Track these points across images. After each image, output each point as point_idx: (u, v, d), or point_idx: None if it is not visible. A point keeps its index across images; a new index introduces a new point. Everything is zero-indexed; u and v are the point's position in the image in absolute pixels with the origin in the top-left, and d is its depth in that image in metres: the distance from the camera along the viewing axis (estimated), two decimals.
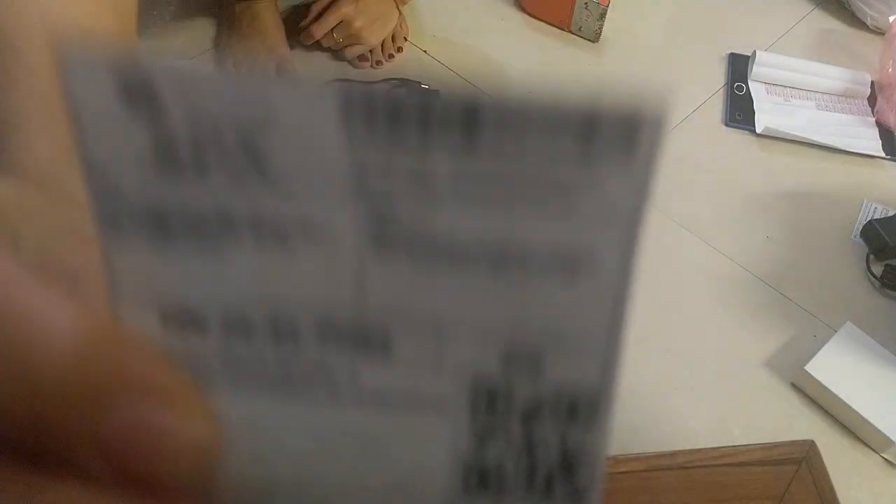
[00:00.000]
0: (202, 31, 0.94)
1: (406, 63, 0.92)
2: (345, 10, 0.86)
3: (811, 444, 0.50)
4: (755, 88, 0.93)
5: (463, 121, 0.12)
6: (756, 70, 0.93)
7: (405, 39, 0.94)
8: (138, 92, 0.12)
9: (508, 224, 0.13)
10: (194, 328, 0.14)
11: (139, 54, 0.12)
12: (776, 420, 0.67)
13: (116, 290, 0.14)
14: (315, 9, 0.88)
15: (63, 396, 0.12)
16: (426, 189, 0.13)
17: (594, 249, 0.13)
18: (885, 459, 0.65)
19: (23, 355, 0.11)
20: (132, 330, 0.14)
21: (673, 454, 0.50)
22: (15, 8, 0.31)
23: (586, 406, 0.14)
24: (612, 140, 0.12)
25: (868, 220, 0.80)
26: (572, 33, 0.97)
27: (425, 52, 0.94)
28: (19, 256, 0.17)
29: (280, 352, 0.14)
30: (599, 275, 0.13)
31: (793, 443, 0.51)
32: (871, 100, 0.94)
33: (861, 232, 0.80)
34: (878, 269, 0.77)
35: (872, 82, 0.95)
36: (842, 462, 0.64)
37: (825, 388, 0.66)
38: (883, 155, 0.88)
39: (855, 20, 1.03)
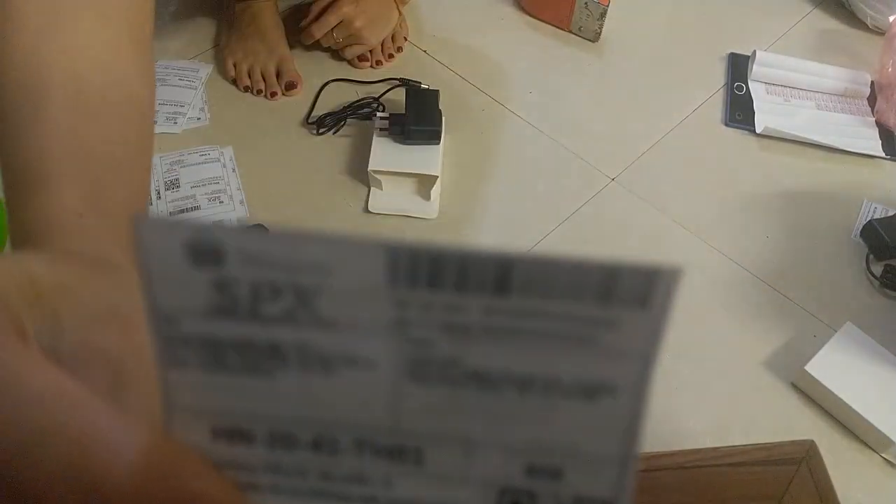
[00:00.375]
0: (202, 30, 0.94)
1: (406, 63, 0.92)
2: (345, 10, 0.86)
3: (811, 444, 0.50)
4: (755, 88, 0.93)
5: (496, 278, 0.13)
6: (756, 70, 0.93)
7: (405, 39, 0.94)
8: (205, 255, 0.14)
9: (534, 356, 0.14)
10: (242, 442, 0.15)
11: (208, 226, 0.13)
12: (776, 420, 0.67)
13: (171, 408, 0.15)
14: (315, 8, 0.88)
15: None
16: (460, 330, 0.14)
17: (612, 380, 0.14)
18: (885, 459, 0.65)
19: (90, 476, 0.13)
20: (186, 445, 0.15)
21: (673, 454, 0.50)
22: (37, 53, 0.31)
23: None
24: (631, 290, 0.13)
25: (868, 220, 0.80)
26: (572, 33, 0.97)
27: (425, 51, 0.94)
28: (61, 341, 0.17)
29: (320, 462, 0.15)
30: (616, 401, 0.14)
31: (793, 443, 0.51)
32: (871, 100, 0.93)
33: (861, 232, 0.80)
34: (877, 268, 0.77)
35: (872, 82, 0.94)
36: (842, 462, 0.64)
37: (825, 388, 0.65)
38: (883, 155, 0.88)
39: (855, 20, 1.03)
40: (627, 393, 0.14)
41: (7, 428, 0.13)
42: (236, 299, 0.14)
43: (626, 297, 0.13)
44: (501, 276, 0.13)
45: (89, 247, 0.26)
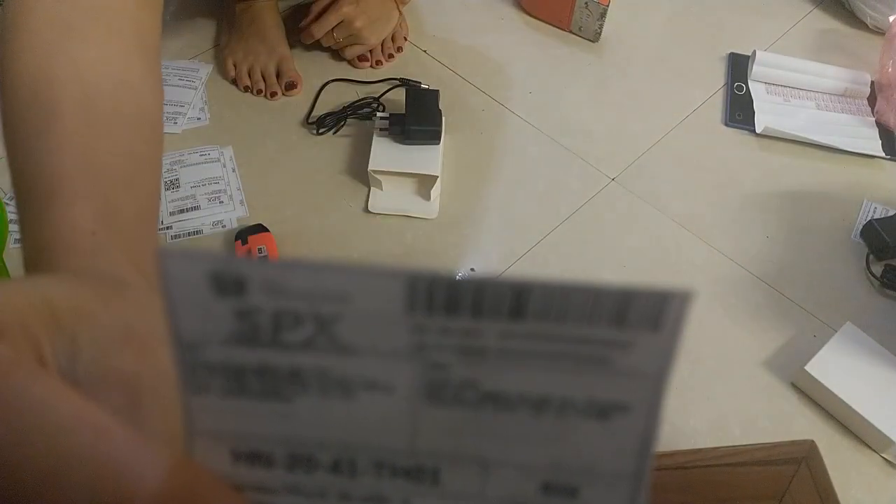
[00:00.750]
0: (202, 30, 0.94)
1: (406, 63, 0.92)
2: (345, 10, 0.86)
3: (811, 444, 0.50)
4: (755, 88, 0.93)
5: (511, 304, 0.14)
6: (756, 70, 0.93)
7: (405, 39, 0.94)
8: (228, 285, 0.14)
9: (549, 378, 0.15)
10: (262, 465, 0.16)
11: (231, 259, 0.14)
12: (776, 420, 0.67)
13: (193, 432, 0.15)
14: (315, 8, 0.88)
15: None
16: (476, 354, 0.14)
17: (626, 400, 0.15)
18: (885, 459, 0.65)
19: (115, 501, 0.13)
20: (206, 468, 0.15)
21: (673, 454, 0.50)
22: (48, 68, 0.31)
23: None
24: (644, 314, 0.14)
25: (868, 219, 0.80)
26: (572, 33, 0.97)
27: (425, 51, 0.94)
28: (78, 364, 0.18)
29: (339, 484, 0.16)
30: (630, 420, 0.15)
31: (793, 442, 0.51)
32: (871, 100, 0.93)
33: (861, 232, 0.80)
34: (877, 268, 0.77)
35: (872, 82, 0.94)
36: (842, 462, 0.64)
37: (825, 388, 0.65)
38: (883, 155, 0.88)
39: (855, 20, 1.03)
40: (641, 412, 0.15)
41: (33, 457, 0.13)
42: (258, 327, 0.14)
43: (639, 321, 0.14)
44: (517, 302, 0.14)
45: (103, 265, 0.26)
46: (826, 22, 1.04)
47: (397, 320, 0.14)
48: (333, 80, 0.88)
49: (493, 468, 0.16)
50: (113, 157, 0.30)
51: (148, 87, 0.34)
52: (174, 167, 0.80)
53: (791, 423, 0.66)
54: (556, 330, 0.14)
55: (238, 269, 0.14)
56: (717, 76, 0.95)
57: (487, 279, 0.13)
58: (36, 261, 0.26)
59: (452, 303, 0.14)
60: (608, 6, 0.93)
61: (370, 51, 0.90)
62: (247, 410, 0.15)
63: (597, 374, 0.14)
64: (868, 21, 1.01)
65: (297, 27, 0.90)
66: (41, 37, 0.31)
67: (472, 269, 0.67)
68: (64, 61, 0.31)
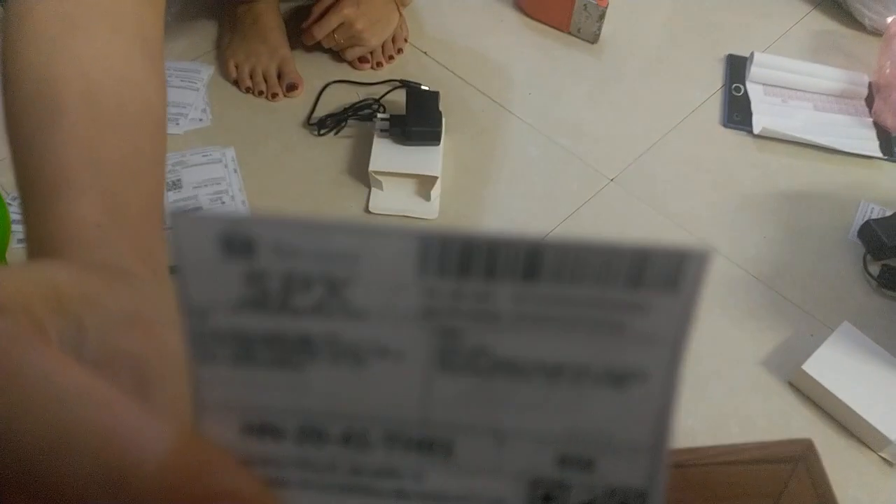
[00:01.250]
0: (204, 32, 0.94)
1: (406, 64, 0.92)
2: (346, 12, 0.86)
3: (809, 443, 0.50)
4: (753, 89, 0.93)
5: (526, 263, 0.13)
6: (754, 71, 0.93)
7: (405, 41, 0.94)
8: (237, 246, 0.14)
9: (564, 344, 0.14)
10: (271, 438, 0.15)
11: (241, 216, 0.13)
12: (773, 419, 0.67)
13: (201, 404, 0.15)
14: (316, 10, 0.88)
15: None
16: (490, 318, 0.14)
17: (642, 367, 0.14)
18: (883, 458, 0.65)
19: (119, 473, 0.13)
20: (215, 441, 0.15)
21: (670, 452, 0.50)
22: (52, 65, 0.31)
23: (636, 502, 0.15)
24: (660, 273, 0.13)
25: (865, 220, 0.80)
26: (571, 35, 0.97)
27: (425, 53, 0.94)
28: (85, 349, 0.18)
29: (350, 457, 0.15)
30: (647, 388, 0.14)
31: (790, 441, 0.51)
32: (869, 100, 0.94)
33: (858, 232, 0.80)
34: (874, 268, 0.77)
35: (870, 83, 0.95)
36: (839, 461, 0.64)
37: (822, 387, 0.66)
38: (880, 155, 0.88)
39: (853, 21, 1.03)
40: (658, 379, 0.14)
41: (35, 427, 0.13)
42: (267, 291, 0.14)
43: (655, 281, 0.13)
44: (531, 261, 0.13)
45: (108, 257, 0.26)
46: (824, 23, 1.04)
47: (409, 282, 0.14)
48: (334, 82, 0.89)
49: (507, 440, 0.15)
50: (117, 152, 0.30)
51: (151, 84, 0.34)
52: (176, 168, 0.80)
53: (789, 422, 0.67)
54: (571, 292, 0.14)
55: (248, 229, 0.13)
56: (715, 77, 0.95)
57: (501, 236, 0.13)
58: (40, 254, 0.26)
59: (465, 262, 0.13)
60: (607, 8, 0.93)
61: (371, 52, 0.90)
62: (256, 380, 0.15)
63: (612, 340, 0.14)
64: (866, 22, 1.01)
65: (298, 29, 0.90)
66: (45, 33, 0.32)
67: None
68: (68, 57, 0.31)
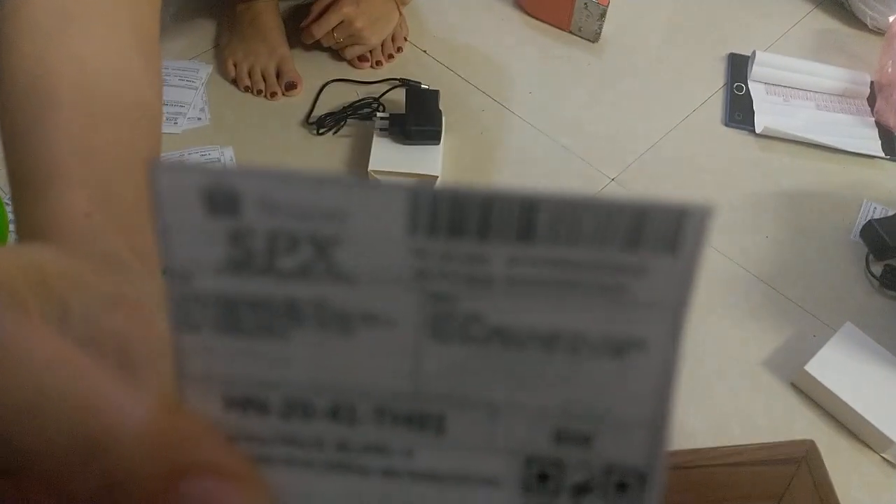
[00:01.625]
0: (203, 31, 0.94)
1: (406, 63, 0.92)
2: (346, 10, 0.86)
3: (811, 444, 0.50)
4: (755, 88, 0.93)
5: (520, 221, 0.13)
6: (756, 70, 0.93)
7: (405, 39, 0.94)
8: (221, 203, 0.13)
9: (559, 310, 0.14)
10: (255, 412, 0.15)
11: (224, 169, 0.13)
12: (776, 420, 0.67)
13: (183, 374, 0.15)
14: (316, 8, 0.88)
15: (133, 480, 0.13)
16: (482, 282, 0.13)
17: (641, 334, 0.14)
18: (885, 459, 0.65)
19: (94, 442, 0.13)
20: (196, 414, 0.15)
21: (672, 454, 0.50)
22: (46, 58, 0.31)
23: (635, 483, 0.15)
24: (659, 231, 0.13)
25: (867, 220, 0.80)
26: (572, 33, 0.97)
27: (425, 52, 0.94)
28: (68, 328, 0.17)
29: (337, 432, 0.15)
30: (646, 358, 0.14)
31: (792, 442, 0.51)
32: (871, 100, 0.93)
33: (860, 232, 0.80)
34: (877, 268, 0.77)
35: (872, 82, 0.94)
36: (841, 462, 0.64)
37: (825, 388, 0.65)
38: (882, 155, 0.88)
39: (854, 20, 1.03)
40: (658, 348, 0.14)
41: (10, 391, 0.13)
42: (252, 252, 0.13)
43: (655, 240, 0.13)
44: (526, 218, 0.13)
45: (97, 246, 0.26)
46: (826, 22, 1.04)
47: (398, 242, 0.13)
48: (333, 81, 0.89)
49: (501, 414, 0.15)
50: (111, 145, 0.29)
51: (147, 79, 0.34)
52: None
53: (791, 423, 0.67)
54: (567, 255, 0.13)
55: (232, 184, 0.13)
56: (717, 76, 0.95)
57: (495, 190, 0.13)
58: (28, 243, 0.26)
59: (457, 220, 0.13)
60: (608, 6, 0.93)
61: (370, 51, 0.90)
62: (240, 350, 0.14)
63: (610, 305, 0.13)
64: (868, 21, 1.01)
65: (297, 27, 0.90)
66: (40, 26, 0.31)
67: None
68: (63, 51, 0.31)
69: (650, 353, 0.14)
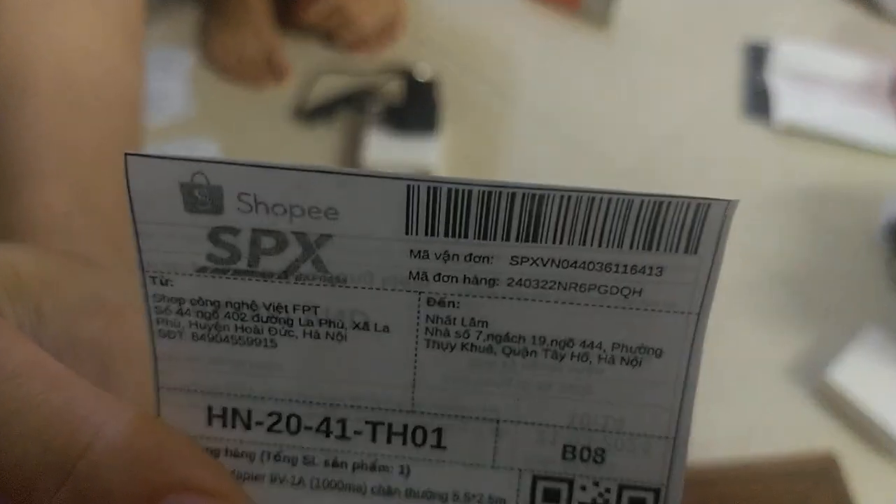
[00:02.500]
0: (187, 17, 0.93)
1: (404, 50, 0.91)
2: None
3: (830, 457, 0.50)
4: (773, 80, 0.92)
5: (524, 218, 0.12)
6: (774, 61, 0.93)
7: (403, 25, 0.93)
8: (202, 199, 0.13)
9: (568, 315, 0.13)
10: (240, 426, 0.14)
11: (206, 161, 0.12)
12: (796, 428, 0.66)
13: (161, 386, 0.14)
14: None
15: (107, 493, 0.12)
16: (485, 284, 0.13)
17: (657, 341, 0.13)
18: None
19: (68, 455, 0.12)
20: (176, 427, 0.14)
21: (690, 468, 0.50)
22: (25, 43, 0.30)
23: (651, 499, 0.14)
24: (677, 229, 0.12)
25: (890, 219, 0.79)
26: (581, 19, 0.97)
27: (424, 39, 0.93)
28: (44, 334, 0.17)
29: (329, 447, 0.14)
30: (663, 366, 0.13)
31: (811, 455, 0.50)
32: (894, 91, 0.93)
33: (883, 231, 0.79)
34: None
35: (893, 76, 0.94)
36: (864, 475, 0.63)
37: (847, 396, 0.65)
38: None
39: (876, 9, 1.03)
40: (675, 356, 0.13)
41: None
42: (235, 252, 0.13)
43: (672, 238, 0.12)
44: (531, 212, 0.12)
45: (76, 247, 0.25)
46: (847, 11, 1.03)
47: (393, 241, 0.13)
48: (326, 69, 0.88)
49: (505, 429, 0.14)
50: (91, 137, 0.29)
51: (130, 68, 0.34)
52: None
53: (812, 432, 0.66)
54: (576, 254, 0.13)
55: (214, 178, 0.12)
56: (734, 66, 0.94)
57: (497, 184, 0.12)
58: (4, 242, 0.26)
59: (456, 217, 0.12)
60: None
61: (366, 37, 0.90)
62: (223, 359, 0.14)
63: (623, 310, 0.13)
64: (889, 9, 1.01)
65: (287, 12, 0.89)
66: (20, 12, 0.31)
67: None
68: (43, 37, 0.31)
69: (667, 361, 0.13)
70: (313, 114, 0.83)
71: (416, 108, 0.78)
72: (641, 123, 0.87)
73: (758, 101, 0.90)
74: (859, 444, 0.65)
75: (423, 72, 0.86)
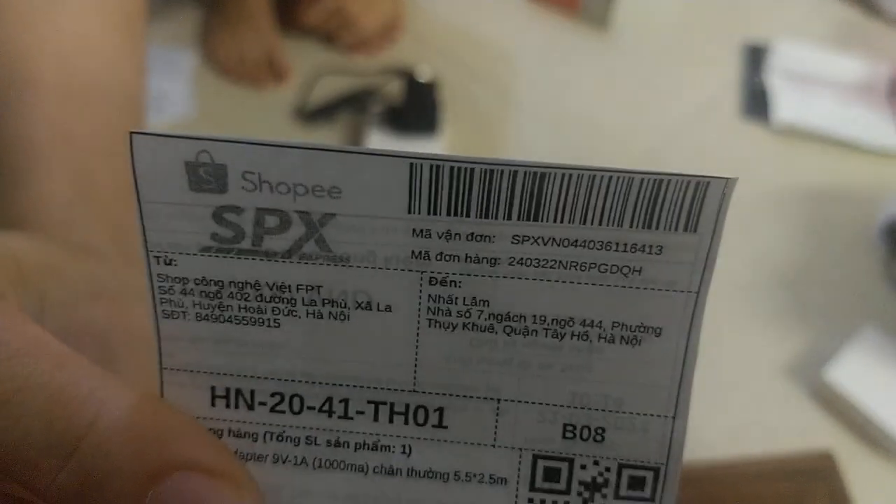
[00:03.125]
0: (188, 17, 0.94)
1: (404, 51, 0.92)
2: None
3: (828, 456, 0.50)
4: (772, 80, 0.93)
5: (525, 196, 0.13)
6: (773, 61, 0.93)
7: (403, 27, 0.93)
8: (207, 178, 0.13)
9: (569, 294, 0.13)
10: (243, 404, 0.15)
11: (211, 139, 0.13)
12: (794, 427, 0.66)
13: (165, 364, 0.14)
14: None
15: (112, 479, 0.13)
16: (487, 264, 0.13)
17: (657, 319, 0.13)
18: None
19: (71, 434, 0.13)
20: (180, 408, 0.14)
21: (687, 466, 0.50)
22: (27, 36, 0.31)
23: (650, 478, 0.15)
24: (677, 207, 0.13)
25: (888, 218, 0.79)
26: (581, 20, 0.97)
27: (424, 40, 0.94)
28: (46, 318, 0.17)
29: (331, 427, 0.15)
30: (662, 345, 0.14)
31: (808, 454, 0.51)
32: (893, 93, 0.93)
33: (881, 231, 0.79)
34: None
35: (891, 76, 0.94)
36: (861, 473, 0.64)
37: (845, 396, 0.65)
38: None
39: (874, 10, 1.03)
40: (674, 335, 0.14)
41: None
42: (240, 232, 0.13)
43: (672, 216, 0.13)
44: (533, 189, 0.13)
45: (77, 235, 0.26)
46: (845, 12, 1.04)
47: (396, 220, 0.13)
48: (327, 70, 0.88)
49: (506, 408, 0.14)
50: (91, 130, 0.30)
51: (131, 63, 0.34)
52: None
53: (809, 431, 0.66)
54: (577, 233, 0.13)
55: (219, 156, 0.13)
56: (733, 67, 0.95)
57: (499, 161, 0.12)
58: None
59: (459, 195, 0.13)
60: None
61: (366, 38, 0.90)
62: (225, 338, 0.14)
63: (624, 288, 0.13)
64: (886, 10, 1.01)
65: (287, 13, 0.90)
66: (21, 5, 0.31)
67: None
68: (44, 31, 0.31)
69: (665, 341, 0.14)
70: (314, 115, 0.83)
71: (416, 109, 0.78)
72: (640, 124, 0.88)
73: (756, 102, 0.91)
74: (857, 442, 0.66)
75: (424, 73, 0.87)
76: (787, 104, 0.91)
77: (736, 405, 0.67)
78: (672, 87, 0.92)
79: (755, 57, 0.96)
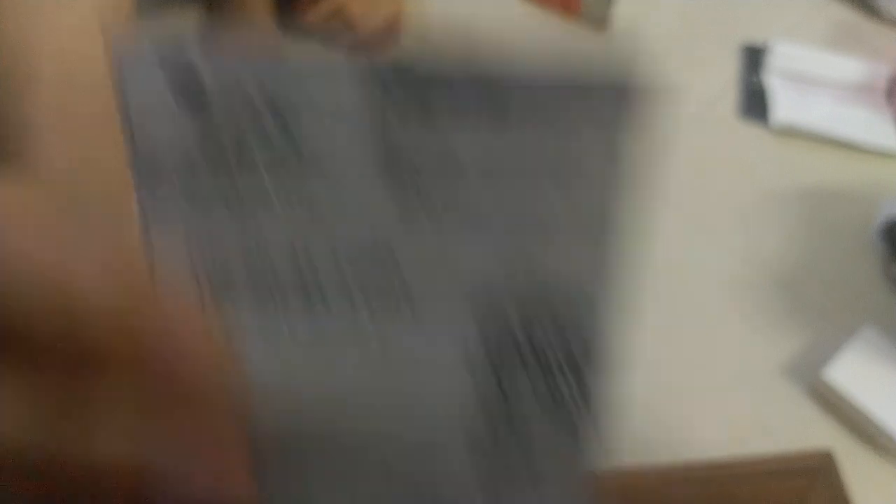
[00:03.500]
0: (189, 18, 0.94)
1: (404, 51, 0.92)
2: None
3: (827, 455, 0.50)
4: (770, 81, 0.93)
5: (491, 102, 0.14)
6: (771, 62, 0.93)
7: (403, 26, 0.93)
8: (187, 85, 0.14)
9: (528, 192, 0.15)
10: (226, 289, 0.16)
11: (189, 47, 0.13)
12: (793, 427, 0.67)
13: (154, 258, 0.15)
14: None
15: (105, 353, 0.13)
16: (452, 165, 0.15)
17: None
18: None
19: (67, 303, 0.13)
20: (168, 292, 0.15)
21: (679, 466, 0.50)
22: (28, 32, 0.31)
23: (594, 349, 0.16)
24: (609, 104, 0.14)
25: (887, 219, 0.80)
26: (579, 21, 0.97)
27: (423, 39, 0.94)
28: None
29: (312, 316, 0.16)
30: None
31: (807, 453, 0.51)
32: (889, 94, 0.93)
33: (880, 232, 0.80)
34: None
35: (890, 76, 0.94)
36: (861, 473, 0.64)
37: (844, 396, 0.65)
38: None
39: (872, 11, 1.03)
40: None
41: None
42: (221, 147, 0.14)
43: (611, 116, 0.13)
44: (496, 99, 0.14)
45: (73, 183, 0.27)
46: (843, 13, 1.04)
47: (364, 128, 0.14)
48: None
49: (471, 292, 0.15)
50: (91, 118, 0.30)
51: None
52: None
53: (809, 431, 0.66)
54: (536, 136, 0.14)
55: (200, 60, 0.13)
56: (731, 68, 0.95)
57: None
58: None
59: (426, 107, 0.14)
60: None
61: (365, 37, 0.90)
62: (209, 233, 0.15)
63: (574, 182, 0.14)
64: (883, 11, 1.01)
65: (287, 9, 0.90)
66: (21, 2, 0.32)
67: None
68: (44, 27, 0.32)
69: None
70: None
71: None
72: None
73: (755, 103, 0.91)
74: (856, 442, 0.66)
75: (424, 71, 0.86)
76: (786, 104, 0.91)
77: (735, 405, 0.67)
78: (670, 88, 0.92)
79: (754, 57, 0.96)
